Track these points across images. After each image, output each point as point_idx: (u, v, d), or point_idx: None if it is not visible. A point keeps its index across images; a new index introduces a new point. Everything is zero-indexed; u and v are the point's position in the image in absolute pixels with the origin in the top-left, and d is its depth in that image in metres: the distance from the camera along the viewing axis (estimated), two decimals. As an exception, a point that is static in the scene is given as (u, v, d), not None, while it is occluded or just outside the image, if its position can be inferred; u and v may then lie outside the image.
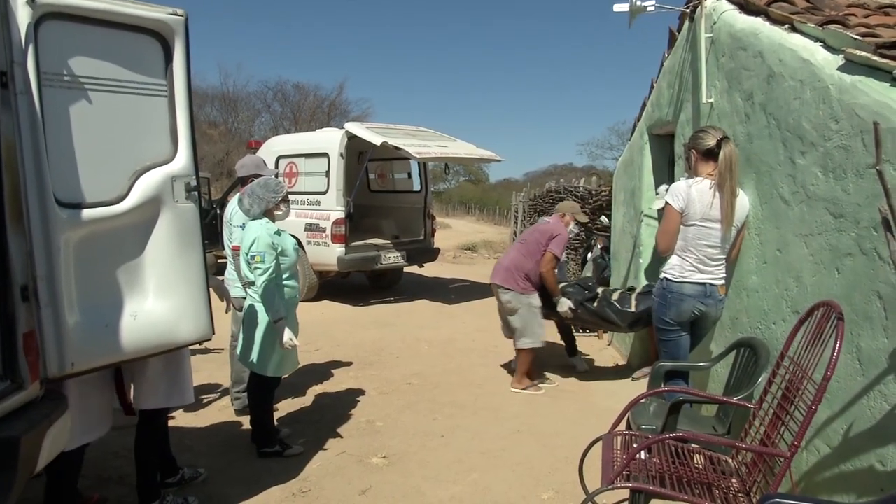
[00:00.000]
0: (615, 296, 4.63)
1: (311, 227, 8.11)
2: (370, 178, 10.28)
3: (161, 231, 2.53)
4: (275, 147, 9.25)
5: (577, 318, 4.71)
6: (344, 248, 7.92)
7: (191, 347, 2.80)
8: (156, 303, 2.51)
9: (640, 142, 5.31)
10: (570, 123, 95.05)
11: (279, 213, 3.42)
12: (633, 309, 4.48)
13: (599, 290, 4.76)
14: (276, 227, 3.37)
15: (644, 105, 5.28)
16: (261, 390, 3.50)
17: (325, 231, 7.93)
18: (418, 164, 9.20)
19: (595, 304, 4.60)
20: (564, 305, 4.64)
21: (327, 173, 8.03)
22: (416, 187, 9.62)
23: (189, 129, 2.59)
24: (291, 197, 6.20)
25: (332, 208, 7.95)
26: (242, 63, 66.02)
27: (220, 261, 10.48)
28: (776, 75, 2.97)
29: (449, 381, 5.06)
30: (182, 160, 2.60)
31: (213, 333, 2.74)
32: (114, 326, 2.37)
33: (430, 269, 11.09)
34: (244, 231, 3.37)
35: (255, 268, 3.21)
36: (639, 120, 5.39)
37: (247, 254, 3.23)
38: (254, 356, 3.37)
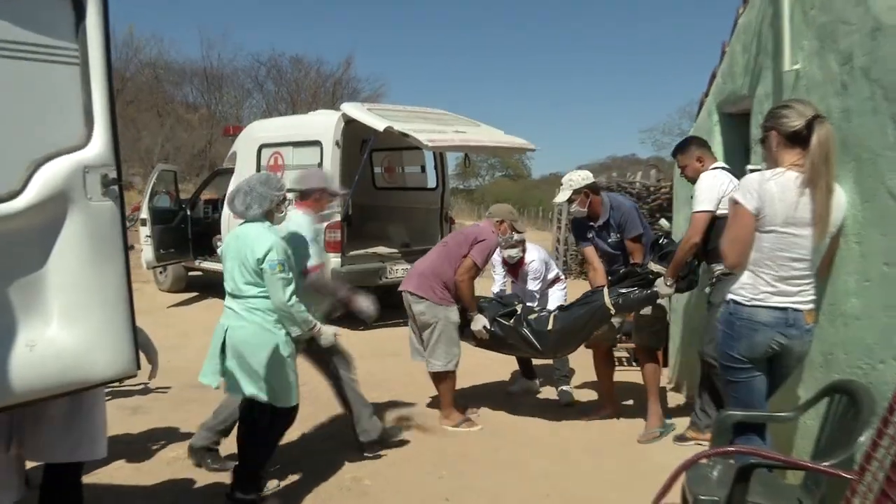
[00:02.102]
0: (533, 315, 4.87)
1: None
2: (374, 173, 10.35)
3: (69, 237, 2.45)
4: (256, 134, 9.43)
5: (493, 339, 4.94)
6: (340, 259, 7.99)
7: (128, 386, 2.70)
8: (61, 330, 2.43)
9: (708, 123, 5.27)
10: (633, 105, 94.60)
11: (280, 214, 3.62)
12: (549, 327, 4.70)
13: (519, 306, 5.02)
14: (278, 230, 3.57)
15: (713, 76, 5.24)
16: (278, 426, 3.68)
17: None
18: (434, 155, 9.28)
19: (511, 320, 4.83)
20: (479, 323, 4.88)
21: (320, 166, 8.12)
22: (432, 184, 9.73)
23: (108, 106, 2.51)
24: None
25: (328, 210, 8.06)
26: (228, 31, 66.99)
27: (190, 273, 10.67)
28: (885, 29, 2.85)
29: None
30: (98, 146, 2.51)
31: (138, 368, 2.64)
32: (2, 359, 2.26)
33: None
34: (244, 237, 3.48)
35: (279, 280, 3.39)
36: (706, 95, 5.35)
37: (259, 261, 3.39)
38: (272, 387, 3.52)
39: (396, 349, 7.08)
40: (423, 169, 9.95)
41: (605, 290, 4.61)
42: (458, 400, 5.17)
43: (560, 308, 4.92)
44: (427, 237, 9.21)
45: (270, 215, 3.58)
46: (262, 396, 3.52)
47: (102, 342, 2.49)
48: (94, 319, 2.48)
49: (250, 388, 3.53)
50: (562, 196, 4.92)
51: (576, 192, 4.86)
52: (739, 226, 3.05)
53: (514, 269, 5.78)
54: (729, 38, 4.85)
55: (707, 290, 4.47)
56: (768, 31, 3.98)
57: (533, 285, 5.74)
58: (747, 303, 3.07)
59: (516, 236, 5.40)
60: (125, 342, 2.57)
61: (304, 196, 4.13)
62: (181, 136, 27.17)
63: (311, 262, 3.97)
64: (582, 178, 4.89)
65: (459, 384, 5.23)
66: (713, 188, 4.13)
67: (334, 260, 7.97)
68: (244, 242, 3.48)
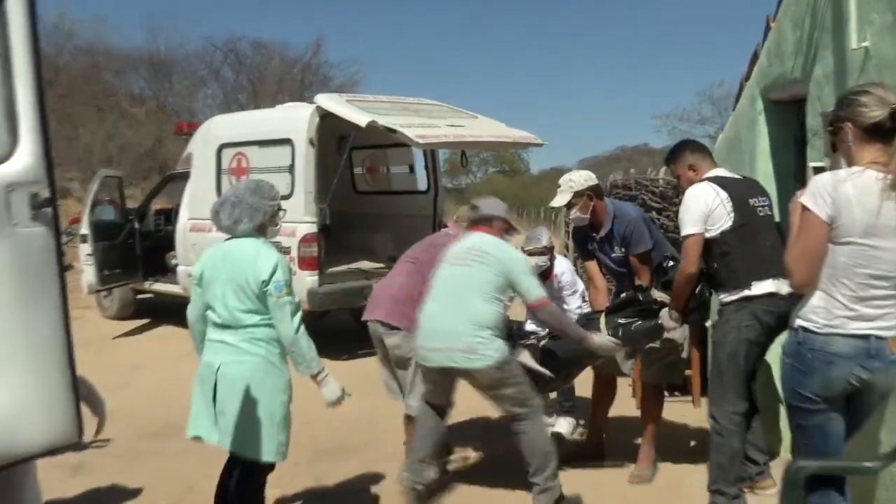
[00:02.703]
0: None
1: None
2: (355, 175, 10.41)
3: (-12, 273, 2.27)
4: (216, 131, 9.39)
5: None
6: (317, 278, 8.04)
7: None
8: (-23, 390, 2.24)
9: (750, 112, 5.22)
10: (644, 91, 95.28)
11: (275, 227, 3.66)
12: (536, 360, 4.58)
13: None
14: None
15: (755, 56, 5.17)
16: (261, 485, 3.69)
17: (289, 252, 7.98)
18: (425, 153, 9.31)
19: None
20: None
21: (291, 168, 8.13)
22: (422, 186, 9.80)
23: (37, 104, 2.32)
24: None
25: (300, 219, 8.02)
26: (179, 13, 66.68)
27: (139, 297, 10.53)
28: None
29: (469, 480, 4.90)
30: (25, 158, 2.32)
31: (81, 433, 2.45)
32: None
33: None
34: (239, 256, 3.51)
35: (285, 304, 3.42)
36: (747, 79, 5.30)
37: (264, 283, 3.41)
38: (268, 439, 3.53)
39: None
40: (412, 169, 9.97)
41: (602, 319, 4.54)
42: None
43: (551, 337, 4.82)
44: (418, 248, 9.24)
45: (263, 229, 3.58)
46: (265, 454, 3.54)
47: (32, 404, 2.30)
48: (20, 376, 2.29)
49: (244, 446, 3.51)
50: (560, 199, 4.87)
51: (577, 195, 4.80)
52: (809, 237, 2.95)
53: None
54: (775, 11, 4.79)
55: (708, 324, 4.45)
56: (826, 2, 3.92)
57: (572, 302, 5.68)
58: (820, 330, 2.96)
59: (543, 240, 5.37)
60: (62, 401, 2.35)
61: (484, 221, 4.34)
62: (125, 134, 26.72)
63: (535, 296, 4.12)
64: (584, 178, 4.84)
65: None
66: (696, 206, 4.03)
67: (310, 279, 7.97)
68: (239, 262, 3.46)
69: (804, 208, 2.93)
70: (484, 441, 5.58)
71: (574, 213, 4.84)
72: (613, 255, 4.89)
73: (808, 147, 4.18)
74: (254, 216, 3.51)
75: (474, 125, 8.58)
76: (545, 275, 5.50)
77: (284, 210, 3.75)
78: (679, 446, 5.31)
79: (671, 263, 4.61)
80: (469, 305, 4.10)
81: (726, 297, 4.01)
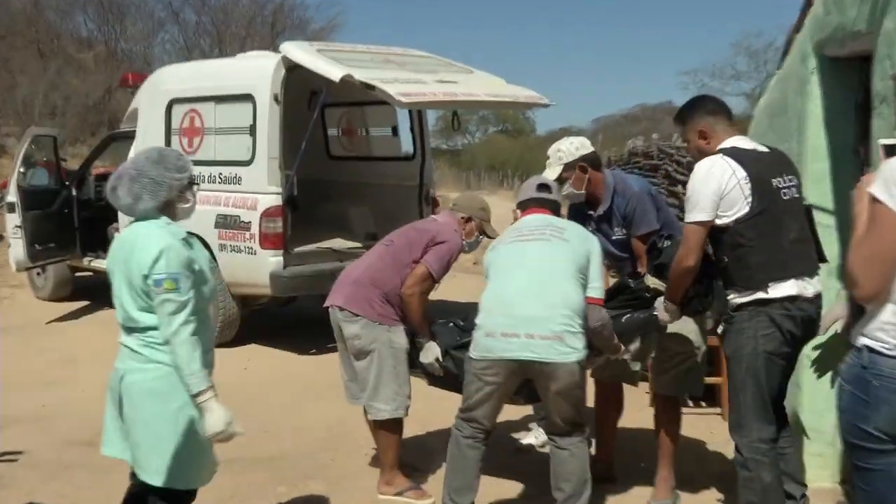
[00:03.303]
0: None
1: (225, 223, 8.10)
2: (329, 137, 10.32)
3: None
4: (165, 84, 9.22)
5: (446, 377, 4.87)
6: (281, 258, 7.95)
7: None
8: None
9: (800, 71, 5.08)
10: (668, 44, 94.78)
11: (185, 205, 3.54)
12: None
13: None
14: (183, 231, 3.50)
15: (808, 4, 5.04)
16: None
17: (249, 229, 7.96)
18: (410, 113, 9.27)
19: (468, 353, 4.62)
20: (431, 354, 4.81)
21: (252, 129, 8.03)
22: (407, 151, 9.79)
23: None
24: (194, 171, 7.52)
25: (262, 189, 7.96)
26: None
27: (78, 276, 10.50)
28: None
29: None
30: None
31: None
32: None
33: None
34: (130, 242, 3.44)
35: (165, 301, 3.30)
36: (797, 31, 5.16)
37: (146, 278, 3.31)
38: (159, 462, 3.43)
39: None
40: (395, 131, 9.91)
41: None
42: (407, 457, 5.11)
43: None
44: (401, 225, 9.19)
45: (170, 208, 3.47)
46: (155, 479, 3.43)
47: None
48: None
49: (139, 465, 3.46)
50: (549, 173, 4.80)
51: (567, 167, 4.74)
52: (881, 236, 2.80)
53: None
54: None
55: (719, 329, 4.29)
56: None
57: None
58: (891, 352, 2.84)
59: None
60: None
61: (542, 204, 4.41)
62: (71, 83, 26.54)
63: (601, 289, 4.24)
64: (575, 147, 4.77)
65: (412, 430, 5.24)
66: (705, 186, 3.86)
67: (273, 259, 7.91)
68: (129, 251, 3.39)
69: (874, 200, 2.80)
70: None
71: (566, 188, 4.76)
72: (614, 236, 4.83)
73: (874, 116, 4.05)
74: (156, 192, 3.39)
75: (469, 81, 8.52)
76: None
77: (198, 184, 3.65)
78: (705, 469, 5.26)
79: (667, 243, 4.46)
80: (559, 285, 4.07)
81: (738, 299, 3.86)
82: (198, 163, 7.57)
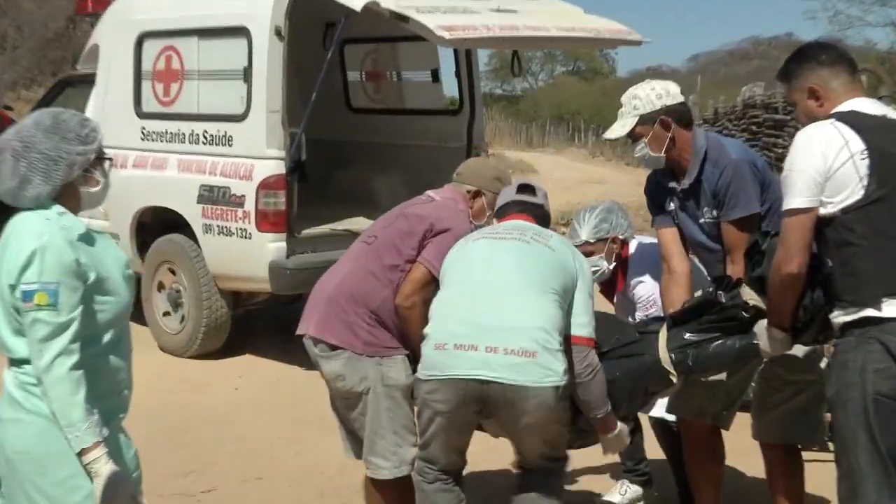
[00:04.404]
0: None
1: (211, 197, 7.60)
2: (349, 85, 9.74)
3: None
4: (134, 13, 8.51)
5: None
6: (284, 244, 7.34)
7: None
8: None
9: None
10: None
11: (93, 189, 3.18)
12: None
13: None
14: (83, 224, 3.11)
15: None
16: None
17: (242, 205, 7.38)
18: (455, 53, 8.72)
19: None
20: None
21: (247, 73, 7.38)
22: (450, 101, 9.76)
23: None
24: (170, 125, 7.52)
25: (260, 153, 7.34)
26: None
27: None
28: None
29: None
30: None
31: None
32: None
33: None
34: (4, 240, 3.12)
35: (35, 322, 2.93)
36: None
37: (13, 289, 2.98)
38: None
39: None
40: (436, 76, 9.20)
41: (662, 333, 4.01)
42: None
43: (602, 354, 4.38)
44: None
45: (71, 194, 3.11)
46: None
47: None
48: None
49: None
50: (618, 129, 4.34)
51: (643, 120, 4.21)
52: None
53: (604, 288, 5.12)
54: None
55: (823, 363, 3.93)
56: None
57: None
58: None
59: (583, 233, 4.70)
60: None
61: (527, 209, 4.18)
62: (27, 9, 26.16)
63: (590, 328, 3.76)
64: (657, 94, 4.27)
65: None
66: (807, 162, 3.35)
67: (273, 246, 7.22)
68: (2, 250, 3.10)
69: None
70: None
71: (640, 148, 4.22)
72: (702, 219, 4.27)
73: None
74: (51, 173, 3.01)
75: (534, 12, 7.72)
76: (607, 287, 5.00)
77: (110, 159, 3.24)
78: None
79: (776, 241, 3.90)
80: (536, 294, 3.61)
81: (842, 317, 3.32)
82: (176, 117, 7.82)
